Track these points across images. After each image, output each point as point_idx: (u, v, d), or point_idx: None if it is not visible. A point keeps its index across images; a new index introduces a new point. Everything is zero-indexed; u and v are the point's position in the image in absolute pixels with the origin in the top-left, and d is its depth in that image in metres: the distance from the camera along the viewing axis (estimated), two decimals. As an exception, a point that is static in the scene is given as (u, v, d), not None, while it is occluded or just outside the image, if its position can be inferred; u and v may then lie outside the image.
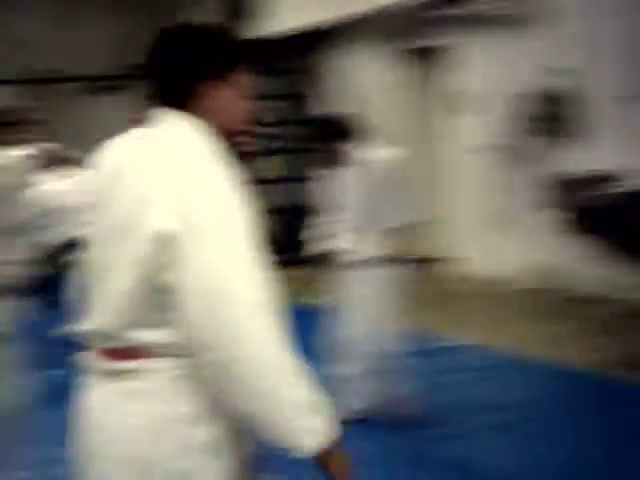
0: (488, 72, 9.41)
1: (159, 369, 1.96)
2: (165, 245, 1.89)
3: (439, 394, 5.38)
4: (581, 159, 8.30)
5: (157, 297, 1.93)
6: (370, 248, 4.95)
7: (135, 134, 2.08)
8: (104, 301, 1.99)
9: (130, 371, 1.98)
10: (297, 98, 12.37)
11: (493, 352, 6.69)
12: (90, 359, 2.05)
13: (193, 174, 1.94)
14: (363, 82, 11.19)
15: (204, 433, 1.96)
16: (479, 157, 9.51)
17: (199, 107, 2.05)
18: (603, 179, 7.96)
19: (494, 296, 8.62)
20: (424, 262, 10.02)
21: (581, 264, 8.35)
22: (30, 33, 13.55)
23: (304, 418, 1.88)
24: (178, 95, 2.06)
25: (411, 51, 10.63)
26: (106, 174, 2.05)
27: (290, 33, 11.30)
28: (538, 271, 8.70)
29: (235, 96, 2.09)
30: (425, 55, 10.53)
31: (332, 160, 5.04)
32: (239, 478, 2.00)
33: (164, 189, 1.92)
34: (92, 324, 2.02)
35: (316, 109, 11.64)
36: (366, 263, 4.93)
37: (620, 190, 7.75)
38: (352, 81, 11.31)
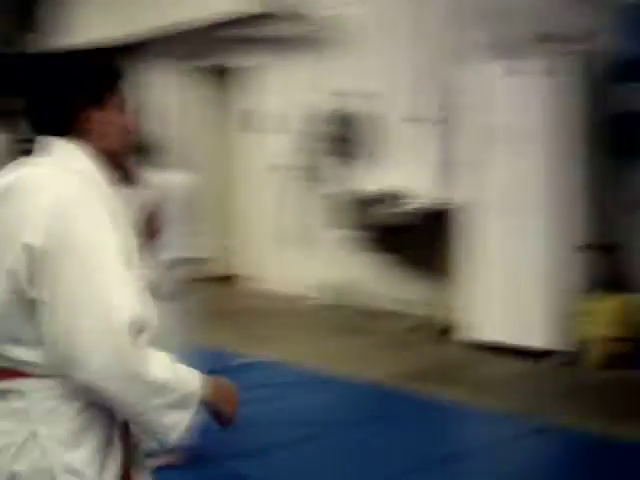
0: (284, 93, 9.54)
1: (34, 389, 2.02)
2: (34, 259, 1.96)
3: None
4: (372, 178, 8.55)
5: (29, 313, 1.99)
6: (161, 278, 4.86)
7: (25, 161, 2.14)
8: None
9: (6, 391, 2.03)
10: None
11: (291, 368, 6.76)
12: None
13: (70, 196, 2.02)
14: (160, 98, 11.11)
15: (69, 455, 2.01)
16: (276, 176, 9.63)
17: (83, 133, 2.11)
18: (392, 197, 8.24)
19: (292, 313, 8.72)
20: (222, 280, 10.03)
21: (374, 281, 8.60)
22: None
23: (165, 417, 2.04)
24: (61, 123, 2.12)
25: (207, 69, 10.65)
26: None
27: (83, 47, 11.09)
28: (334, 288, 8.88)
29: (115, 117, 2.15)
30: (222, 74, 10.58)
31: (124, 179, 4.92)
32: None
33: (41, 208, 2.00)
34: None
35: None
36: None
37: (408, 208, 8.04)
38: (149, 97, 11.20)
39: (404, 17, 8.20)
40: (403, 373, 6.51)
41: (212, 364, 5.10)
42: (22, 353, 2.01)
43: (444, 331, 7.42)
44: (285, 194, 9.58)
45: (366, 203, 8.46)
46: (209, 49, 10.24)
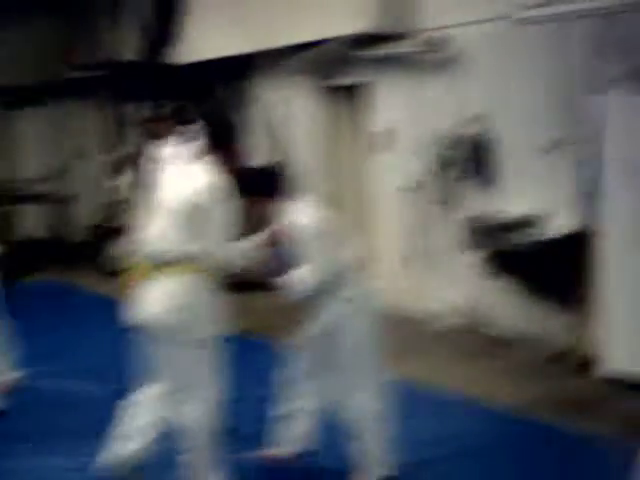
0: (414, 114, 9.57)
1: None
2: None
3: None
4: (504, 203, 8.50)
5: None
6: None
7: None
8: None
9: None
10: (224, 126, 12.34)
11: (420, 389, 6.84)
12: None
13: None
14: (289, 116, 11.26)
15: None
16: (405, 198, 9.64)
17: None
18: (526, 223, 8.17)
19: (421, 335, 8.71)
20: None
21: (505, 306, 8.52)
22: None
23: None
24: None
25: (337, 88, 10.75)
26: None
27: (212, 60, 11.38)
28: (461, 311, 8.84)
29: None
30: (351, 94, 10.68)
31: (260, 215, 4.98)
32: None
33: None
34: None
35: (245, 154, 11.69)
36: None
37: (542, 235, 7.97)
38: (275, 114, 11.35)
39: (541, 42, 8.13)
40: (537, 401, 6.46)
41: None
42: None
43: (583, 363, 7.30)
44: (415, 216, 9.57)
45: (499, 228, 8.41)
46: (339, 68, 10.34)
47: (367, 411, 4.91)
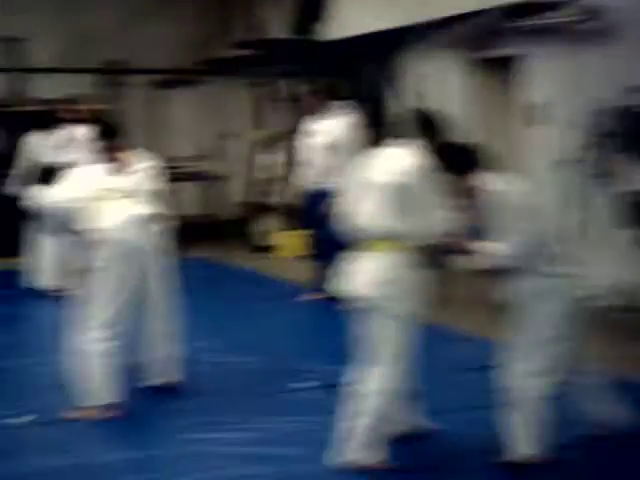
0: (569, 86, 9.30)
1: None
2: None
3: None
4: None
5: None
6: None
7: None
8: None
9: None
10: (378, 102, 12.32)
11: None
12: None
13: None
14: (441, 89, 11.12)
15: None
16: (561, 172, 9.40)
17: None
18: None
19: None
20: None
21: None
22: (101, 26, 13.69)
23: None
24: None
25: (490, 61, 10.55)
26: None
27: (362, 36, 11.33)
28: (620, 290, 8.57)
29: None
30: (505, 66, 10.45)
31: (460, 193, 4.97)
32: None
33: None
34: None
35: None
36: None
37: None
38: (429, 88, 11.22)
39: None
40: None
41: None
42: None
43: None
44: (571, 191, 9.33)
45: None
46: (492, 39, 10.13)
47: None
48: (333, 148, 8.66)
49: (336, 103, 9.00)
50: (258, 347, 7.48)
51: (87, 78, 13.52)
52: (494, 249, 4.87)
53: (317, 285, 9.20)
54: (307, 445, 5.25)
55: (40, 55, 13.26)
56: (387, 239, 4.82)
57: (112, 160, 6.21)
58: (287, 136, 12.26)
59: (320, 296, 9.09)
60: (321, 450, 5.00)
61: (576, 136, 9.15)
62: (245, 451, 5.27)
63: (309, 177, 8.93)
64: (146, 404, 6.12)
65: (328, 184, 8.60)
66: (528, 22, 9.48)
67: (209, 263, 11.93)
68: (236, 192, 14.23)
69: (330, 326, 8.18)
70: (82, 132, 9.56)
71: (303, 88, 11.63)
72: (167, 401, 6.20)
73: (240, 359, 7.16)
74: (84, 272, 6.03)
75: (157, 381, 6.38)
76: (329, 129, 8.75)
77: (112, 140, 6.27)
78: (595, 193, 9.00)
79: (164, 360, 6.36)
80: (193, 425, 5.71)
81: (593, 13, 8.79)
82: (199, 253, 12.15)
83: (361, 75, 12.55)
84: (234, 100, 14.66)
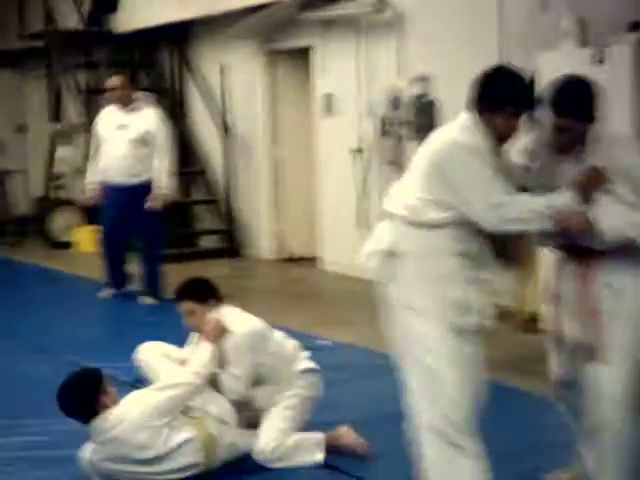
0: (364, 75, 9.49)
1: None
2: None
3: None
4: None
5: None
6: None
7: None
8: None
9: None
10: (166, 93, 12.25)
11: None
12: None
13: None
14: (241, 79, 11.15)
15: None
16: (358, 160, 9.59)
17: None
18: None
19: (353, 295, 8.63)
20: (301, 262, 9.96)
21: None
22: None
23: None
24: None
25: (288, 51, 10.65)
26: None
27: (155, 28, 11.28)
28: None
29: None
30: (291, 56, 10.67)
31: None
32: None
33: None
34: None
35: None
36: None
37: None
38: (223, 78, 11.23)
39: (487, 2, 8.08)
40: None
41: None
42: None
43: None
44: (368, 179, 9.53)
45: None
46: (290, 30, 10.22)
47: None
48: (141, 141, 8.44)
49: (139, 94, 8.83)
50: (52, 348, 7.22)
51: None
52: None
53: (109, 281, 8.97)
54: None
55: None
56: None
57: None
58: (87, 128, 11.98)
59: (116, 292, 8.91)
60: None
61: (368, 125, 9.35)
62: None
63: (108, 171, 8.64)
64: None
65: (130, 179, 8.48)
66: (319, 13, 9.61)
67: (4, 262, 11.54)
68: (35, 187, 13.84)
69: (123, 322, 8.23)
70: None
71: (103, 80, 11.40)
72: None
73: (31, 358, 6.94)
74: None
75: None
76: (136, 122, 8.51)
77: None
78: (391, 180, 9.18)
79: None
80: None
81: (380, 5, 8.99)
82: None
83: (156, 67, 12.45)
84: (30, 92, 14.24)
